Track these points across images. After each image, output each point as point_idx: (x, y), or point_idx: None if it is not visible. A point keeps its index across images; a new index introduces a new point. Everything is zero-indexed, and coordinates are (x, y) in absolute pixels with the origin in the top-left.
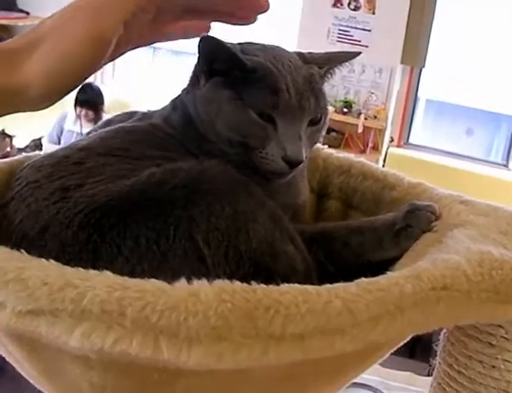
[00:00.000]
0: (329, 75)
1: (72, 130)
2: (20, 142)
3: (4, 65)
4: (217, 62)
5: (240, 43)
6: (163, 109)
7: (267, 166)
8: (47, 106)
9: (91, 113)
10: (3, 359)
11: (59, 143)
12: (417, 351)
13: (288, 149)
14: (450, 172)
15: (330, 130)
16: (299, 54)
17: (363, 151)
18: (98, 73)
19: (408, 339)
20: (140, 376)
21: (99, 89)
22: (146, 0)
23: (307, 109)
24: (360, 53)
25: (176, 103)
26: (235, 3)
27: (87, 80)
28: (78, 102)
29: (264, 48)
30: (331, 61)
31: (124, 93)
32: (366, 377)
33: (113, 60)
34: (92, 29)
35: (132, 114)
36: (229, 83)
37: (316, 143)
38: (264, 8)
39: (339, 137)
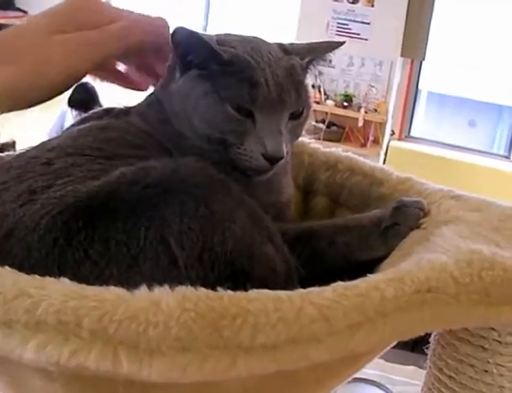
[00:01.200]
0: (311, 67)
1: None
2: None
3: None
4: (192, 54)
5: (216, 35)
6: (139, 105)
7: (247, 163)
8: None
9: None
10: None
11: None
12: (419, 345)
13: (267, 145)
14: (452, 164)
15: (330, 124)
16: (280, 45)
17: (364, 145)
18: None
19: None
20: (105, 389)
21: (93, 89)
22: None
23: (287, 102)
24: (344, 43)
25: (151, 99)
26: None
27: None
28: (69, 103)
29: (242, 39)
30: (313, 52)
31: (121, 91)
32: (368, 371)
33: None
34: (65, 68)
35: (108, 110)
36: (205, 77)
37: (298, 137)
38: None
39: (340, 131)
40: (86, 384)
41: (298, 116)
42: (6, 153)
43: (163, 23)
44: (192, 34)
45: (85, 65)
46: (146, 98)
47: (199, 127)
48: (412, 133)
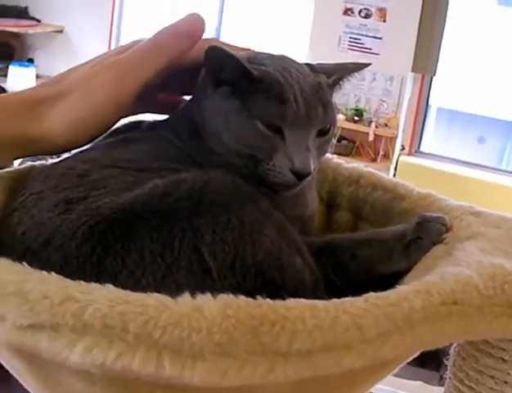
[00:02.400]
0: (337, 86)
1: None
2: None
3: (25, 116)
4: (223, 72)
5: (246, 53)
6: (169, 119)
7: (275, 178)
8: (66, 152)
9: None
10: None
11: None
12: (428, 360)
13: (296, 161)
14: (461, 180)
15: (340, 138)
16: (307, 64)
17: (374, 160)
18: None
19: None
20: (144, 392)
21: None
22: (171, 61)
23: (315, 119)
24: (369, 64)
25: (182, 113)
26: None
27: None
28: None
29: (271, 58)
30: (340, 72)
31: None
32: (377, 386)
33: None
34: (119, 92)
35: (138, 123)
36: (236, 94)
37: (324, 154)
38: None
39: (350, 145)
40: (126, 386)
41: (325, 133)
42: (39, 162)
43: (195, 19)
44: (225, 53)
45: (133, 86)
46: (177, 112)
47: (229, 142)
48: (422, 149)
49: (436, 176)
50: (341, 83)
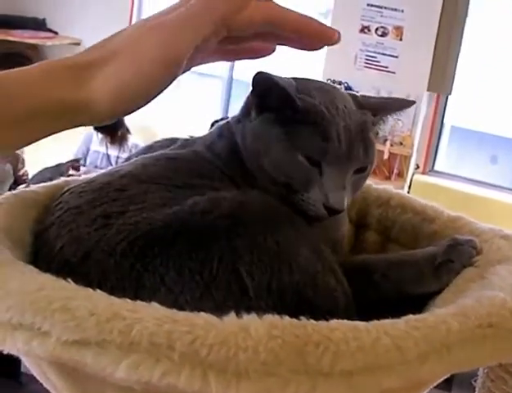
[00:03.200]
0: (381, 122)
1: (98, 151)
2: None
3: (70, 80)
4: (269, 98)
5: (296, 79)
6: (207, 135)
7: (307, 209)
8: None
9: (108, 138)
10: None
11: (84, 163)
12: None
13: (330, 197)
14: (474, 200)
15: None
16: (354, 97)
17: (388, 178)
18: None
19: None
20: None
21: None
22: (221, 24)
23: (355, 159)
24: (414, 102)
25: (223, 130)
26: (302, 30)
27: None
28: (95, 126)
29: (321, 88)
30: (385, 109)
31: (147, 115)
32: None
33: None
34: (169, 52)
35: (173, 140)
36: (280, 122)
37: (359, 190)
38: (332, 40)
39: None
40: None
41: (362, 171)
42: (72, 178)
43: None
44: (272, 79)
45: (183, 48)
46: (216, 129)
47: (267, 168)
48: (436, 168)
49: (449, 195)
50: (385, 119)
